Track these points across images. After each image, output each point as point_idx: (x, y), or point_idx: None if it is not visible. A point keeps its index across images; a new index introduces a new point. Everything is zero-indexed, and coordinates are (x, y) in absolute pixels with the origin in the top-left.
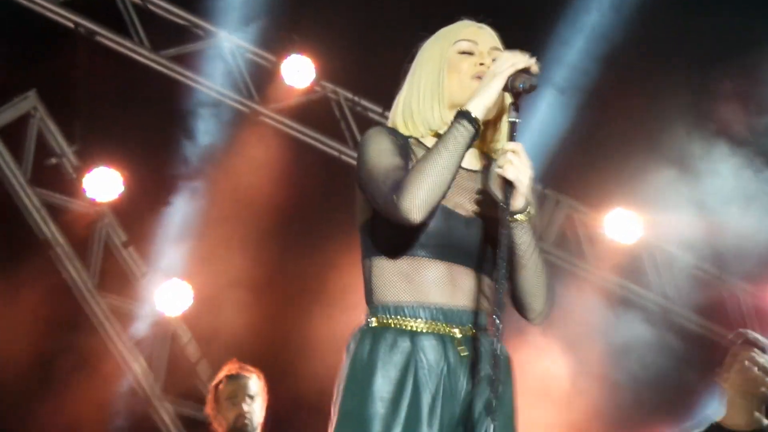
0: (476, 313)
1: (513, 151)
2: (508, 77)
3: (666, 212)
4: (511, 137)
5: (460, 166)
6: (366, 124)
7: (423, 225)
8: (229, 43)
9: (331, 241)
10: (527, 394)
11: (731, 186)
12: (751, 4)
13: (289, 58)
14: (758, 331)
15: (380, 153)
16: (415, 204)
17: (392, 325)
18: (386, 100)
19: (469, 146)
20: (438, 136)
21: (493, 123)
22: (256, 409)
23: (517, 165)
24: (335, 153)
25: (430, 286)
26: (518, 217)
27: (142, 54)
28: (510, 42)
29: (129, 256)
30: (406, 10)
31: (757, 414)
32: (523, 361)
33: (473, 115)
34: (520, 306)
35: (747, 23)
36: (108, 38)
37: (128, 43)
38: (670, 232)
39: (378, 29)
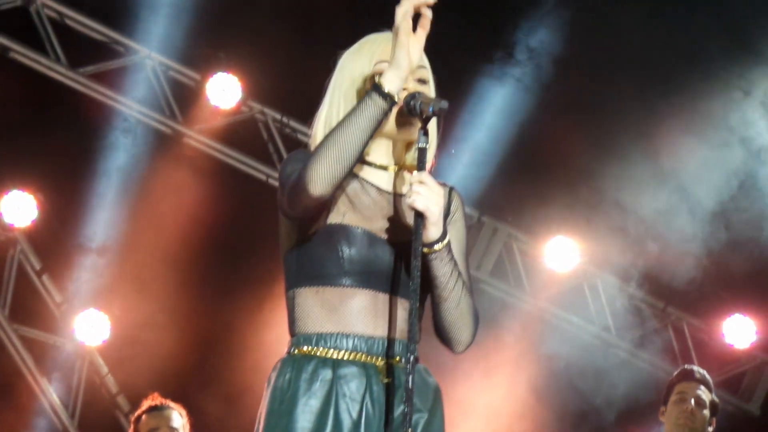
0: (402, 342)
1: (420, 182)
2: (415, 103)
3: (608, 242)
4: (421, 164)
5: (367, 141)
6: (295, 146)
7: (347, 252)
8: (151, 60)
9: (257, 271)
10: (462, 424)
11: (676, 217)
12: (697, 24)
13: (214, 76)
14: (704, 366)
15: (295, 164)
16: (315, 177)
17: (313, 355)
18: None
19: (380, 120)
20: (366, 162)
21: (412, 148)
22: None
23: (426, 195)
24: (262, 176)
25: (354, 315)
26: (435, 247)
27: (58, 71)
28: (446, 65)
29: (44, 284)
30: (338, 27)
31: None
32: (458, 392)
33: (385, 89)
34: (443, 338)
35: (693, 47)
36: (22, 54)
37: (44, 60)
38: (612, 263)
39: (308, 47)
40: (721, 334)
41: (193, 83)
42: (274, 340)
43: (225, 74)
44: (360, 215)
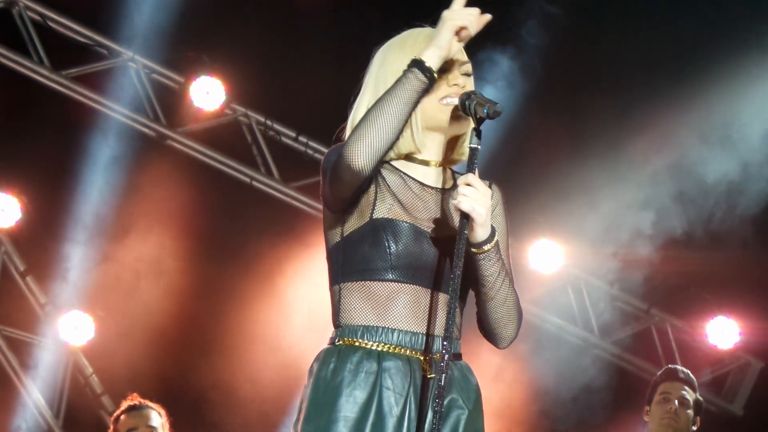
0: (446, 338)
1: (467, 183)
2: (470, 103)
3: (591, 244)
4: (471, 163)
5: (408, 114)
6: (278, 148)
7: (394, 247)
8: (134, 63)
9: (241, 272)
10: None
11: (660, 220)
12: (682, 28)
13: (198, 79)
14: (688, 367)
15: (337, 152)
16: (357, 149)
17: (358, 346)
18: (300, 124)
19: (421, 95)
20: (408, 157)
21: (457, 143)
22: None
23: (472, 196)
24: (246, 179)
25: (398, 310)
26: (484, 247)
27: (41, 74)
28: None
29: (28, 285)
30: (321, 31)
31: None
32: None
33: (427, 64)
34: (488, 334)
35: (676, 51)
36: (5, 57)
37: (27, 62)
38: (596, 265)
39: (291, 50)
40: (705, 335)
41: (176, 86)
42: (259, 340)
43: (208, 77)
44: (405, 210)
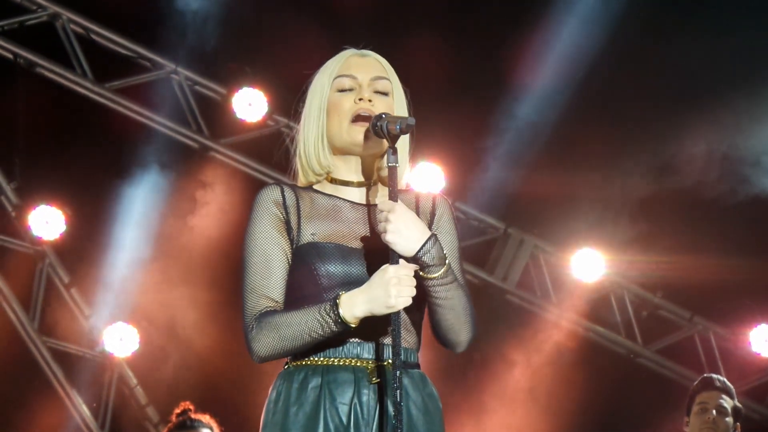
0: (395, 346)
1: (388, 211)
2: (381, 123)
3: (634, 252)
4: (392, 182)
5: (314, 343)
6: None
7: (322, 269)
8: (177, 75)
9: None
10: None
11: (702, 227)
12: (713, 49)
13: (240, 90)
14: (731, 375)
15: (254, 254)
16: (262, 355)
17: (304, 365)
18: None
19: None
20: (332, 180)
21: (376, 161)
22: None
23: (393, 227)
24: None
25: None
26: (421, 274)
27: (85, 86)
28: (480, 77)
29: (72, 297)
30: (363, 40)
31: None
32: (479, 400)
33: (349, 322)
34: (441, 341)
35: (711, 69)
36: (49, 69)
37: (71, 75)
38: (638, 273)
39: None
40: (748, 343)
41: (219, 97)
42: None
43: (251, 88)
44: (331, 231)
